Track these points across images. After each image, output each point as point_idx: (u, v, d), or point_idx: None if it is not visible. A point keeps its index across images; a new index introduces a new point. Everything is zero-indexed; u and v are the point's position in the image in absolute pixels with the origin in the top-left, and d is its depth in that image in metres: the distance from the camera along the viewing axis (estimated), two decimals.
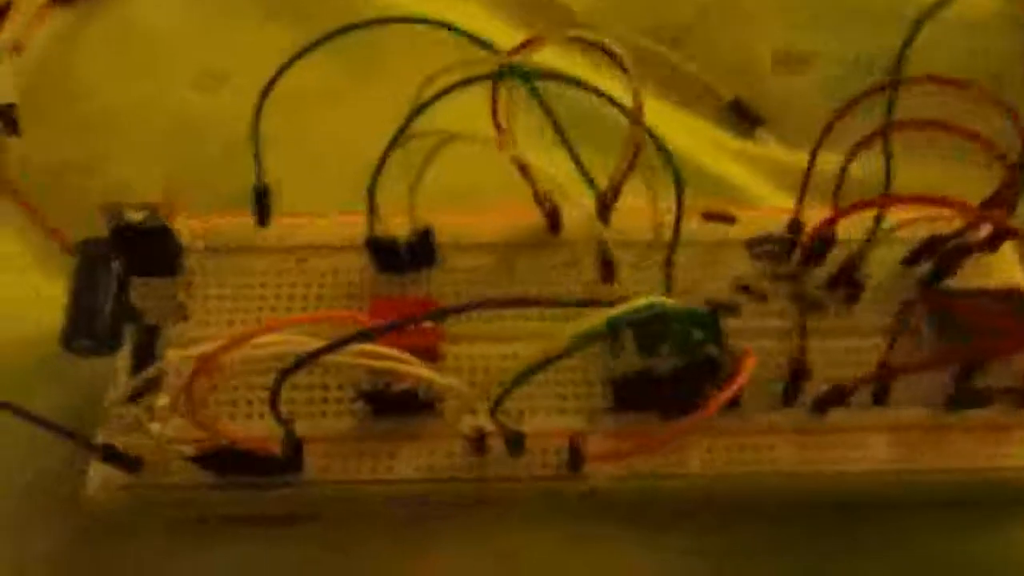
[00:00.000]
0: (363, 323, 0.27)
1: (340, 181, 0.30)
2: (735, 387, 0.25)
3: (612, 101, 0.27)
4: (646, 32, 0.40)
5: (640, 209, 0.30)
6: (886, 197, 0.27)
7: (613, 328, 0.24)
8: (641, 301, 0.24)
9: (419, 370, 0.27)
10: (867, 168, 0.29)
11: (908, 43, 0.27)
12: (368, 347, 0.26)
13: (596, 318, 0.24)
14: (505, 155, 0.30)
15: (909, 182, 0.32)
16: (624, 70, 0.28)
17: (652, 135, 0.28)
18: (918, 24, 0.27)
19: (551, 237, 0.32)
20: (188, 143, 0.37)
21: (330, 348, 0.25)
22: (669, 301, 0.25)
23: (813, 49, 0.39)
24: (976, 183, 0.29)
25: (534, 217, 0.32)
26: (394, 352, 0.26)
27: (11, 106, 0.38)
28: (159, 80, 0.39)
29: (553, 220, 0.32)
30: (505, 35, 0.33)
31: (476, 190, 0.33)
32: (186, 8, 0.42)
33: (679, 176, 0.27)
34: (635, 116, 0.28)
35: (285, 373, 0.25)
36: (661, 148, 0.28)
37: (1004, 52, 0.36)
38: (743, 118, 0.37)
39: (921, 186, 0.31)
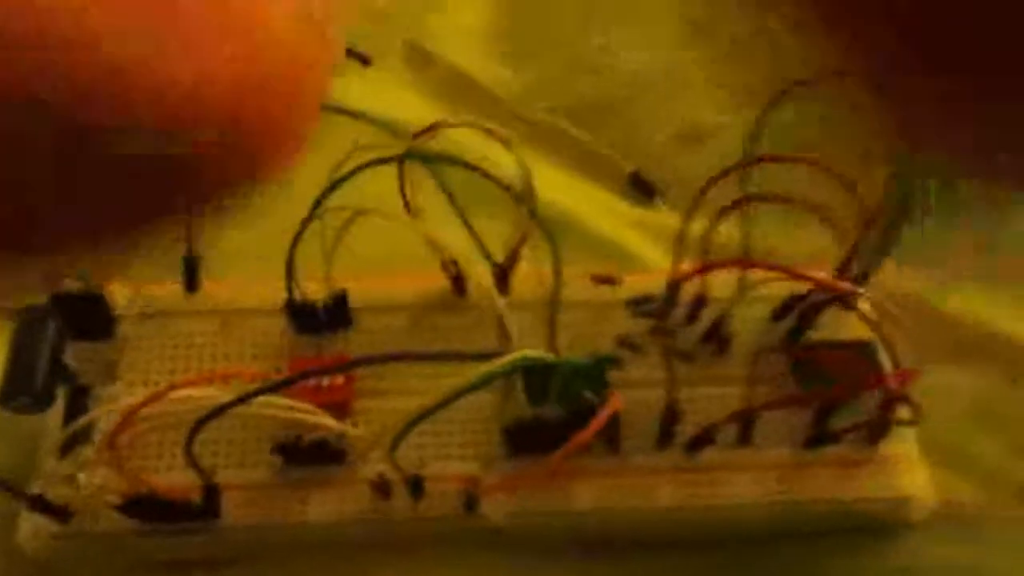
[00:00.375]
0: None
1: (274, 251, 0.32)
2: (600, 421, 0.28)
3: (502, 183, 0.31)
4: (566, 110, 0.43)
5: (535, 275, 0.33)
6: (740, 260, 0.30)
7: (487, 379, 0.27)
8: (514, 356, 0.27)
9: (324, 420, 0.29)
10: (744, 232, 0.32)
11: (761, 120, 0.31)
12: (278, 400, 0.28)
13: (473, 371, 0.27)
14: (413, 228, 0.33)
15: (788, 247, 0.35)
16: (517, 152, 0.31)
17: (537, 212, 0.31)
18: (771, 104, 0.31)
19: (457, 300, 0.35)
20: None
21: (240, 400, 0.27)
22: (541, 354, 0.28)
23: (716, 123, 0.42)
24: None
25: (442, 282, 0.35)
26: (302, 404, 0.29)
27: None
28: None
29: (458, 285, 0.34)
30: (430, 117, 0.35)
31: (389, 259, 0.35)
32: None
33: (556, 247, 0.30)
34: (522, 196, 0.31)
35: (200, 422, 0.27)
36: (543, 224, 0.30)
37: (872, 130, 0.40)
38: (641, 189, 0.40)
39: (792, 249, 0.35)
